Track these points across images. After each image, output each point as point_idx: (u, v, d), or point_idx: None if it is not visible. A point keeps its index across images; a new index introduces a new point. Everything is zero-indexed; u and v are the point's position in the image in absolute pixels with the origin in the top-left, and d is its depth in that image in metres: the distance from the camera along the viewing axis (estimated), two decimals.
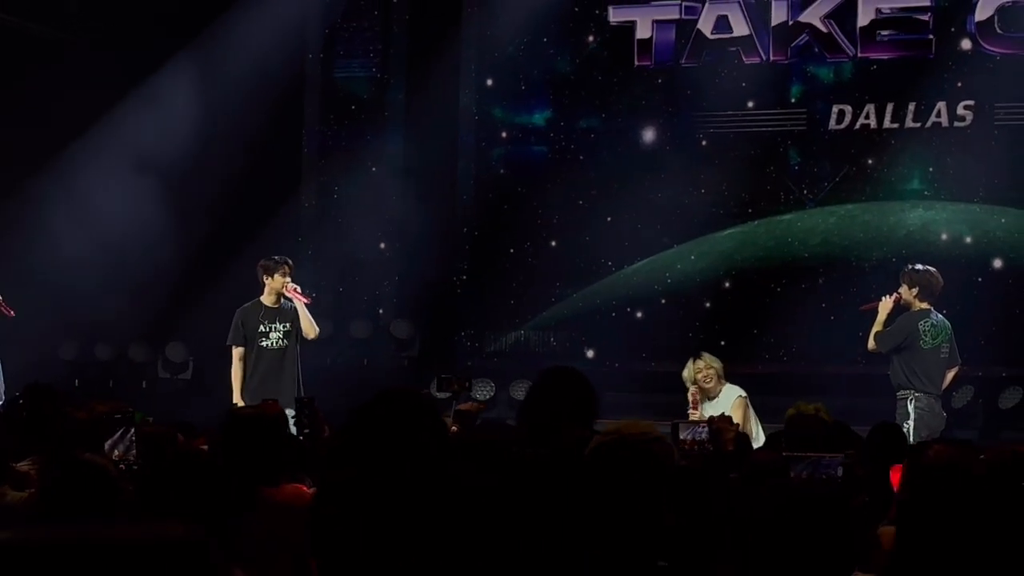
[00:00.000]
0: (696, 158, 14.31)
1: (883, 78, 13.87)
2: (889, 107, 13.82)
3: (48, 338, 14.19)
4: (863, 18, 13.80)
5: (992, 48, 13.48)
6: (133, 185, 14.37)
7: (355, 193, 15.07)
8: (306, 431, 6.81)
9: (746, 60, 14.12)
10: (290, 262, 11.11)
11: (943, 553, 3.49)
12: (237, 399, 10.63)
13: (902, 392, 10.52)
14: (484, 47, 15.06)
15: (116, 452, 5.88)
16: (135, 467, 5.75)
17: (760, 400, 10.49)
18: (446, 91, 14.99)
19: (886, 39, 13.82)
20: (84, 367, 14.72)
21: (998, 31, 13.45)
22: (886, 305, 10.80)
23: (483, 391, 14.09)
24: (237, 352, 10.95)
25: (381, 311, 15.12)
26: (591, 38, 14.81)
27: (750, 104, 14.24)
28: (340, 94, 15.52)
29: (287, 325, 10.95)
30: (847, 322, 12.52)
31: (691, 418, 9.77)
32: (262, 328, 10.91)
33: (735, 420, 9.55)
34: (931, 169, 13.82)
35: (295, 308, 10.99)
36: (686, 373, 10.56)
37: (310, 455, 6.24)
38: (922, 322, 10.57)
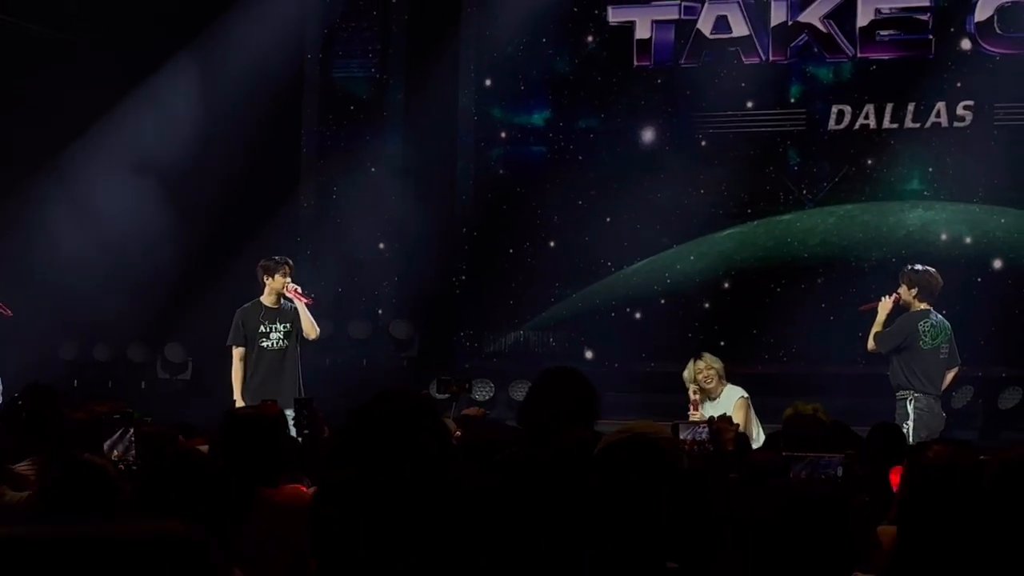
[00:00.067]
0: (695, 158, 14.31)
1: (882, 78, 13.88)
2: (888, 107, 13.82)
3: (47, 338, 14.19)
4: (862, 18, 13.80)
5: (991, 48, 13.48)
6: (132, 185, 14.37)
7: (354, 193, 15.07)
8: (305, 431, 6.80)
9: (745, 60, 14.12)
10: (290, 262, 11.10)
11: (943, 553, 3.48)
12: (238, 399, 10.62)
13: (901, 392, 10.51)
14: (483, 47, 15.06)
15: (115, 452, 5.88)
16: (134, 467, 5.75)
17: (759, 400, 10.48)
18: (445, 91, 14.99)
19: (885, 39, 13.82)
20: (83, 367, 14.72)
21: (997, 31, 13.45)
22: (885, 305, 10.79)
23: (482, 392, 14.09)
24: (237, 352, 10.94)
25: (380, 311, 15.12)
26: (590, 38, 14.81)
27: (749, 104, 14.24)
28: (339, 94, 15.52)
29: (287, 326, 10.94)
30: (846, 322, 12.52)
31: (691, 419, 9.76)
32: (263, 328, 10.90)
33: (737, 421, 9.56)
34: (930, 169, 13.82)
35: (295, 309, 10.98)
36: (687, 374, 10.54)
37: (309, 455, 6.24)
38: (922, 322, 10.57)
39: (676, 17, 14.35)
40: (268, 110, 14.56)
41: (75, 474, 4.51)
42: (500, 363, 14.75)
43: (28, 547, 1.73)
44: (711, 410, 9.59)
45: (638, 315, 14.50)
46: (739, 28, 14.11)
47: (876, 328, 10.76)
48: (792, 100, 14.27)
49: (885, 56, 13.87)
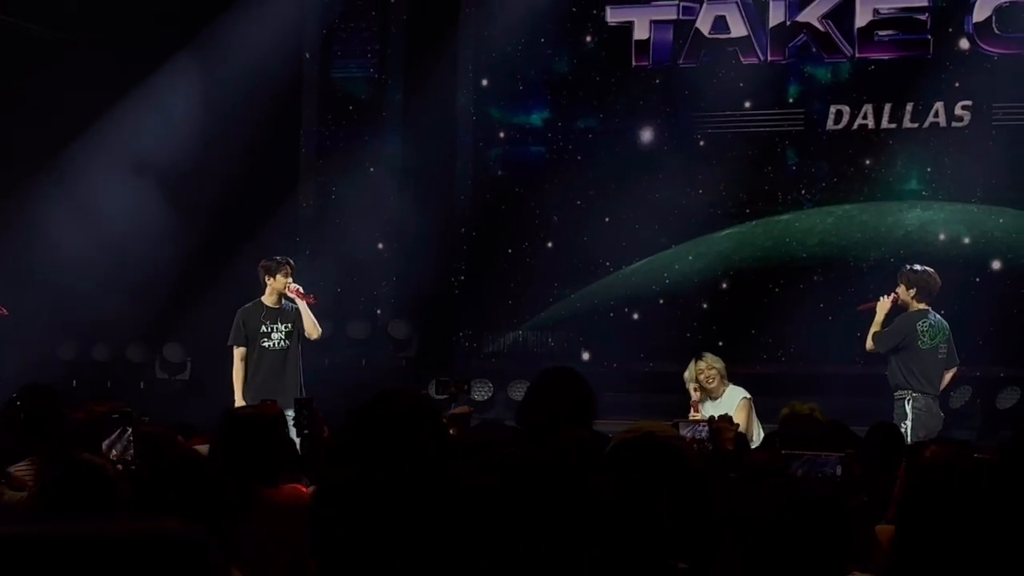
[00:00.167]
0: (694, 158, 14.31)
1: (881, 78, 13.88)
2: (887, 107, 13.83)
3: (46, 338, 14.19)
4: (861, 18, 13.81)
5: (990, 48, 13.49)
6: (131, 185, 14.37)
7: (353, 193, 15.07)
8: (305, 432, 6.80)
9: (744, 60, 14.13)
10: (292, 262, 11.11)
11: (941, 552, 3.49)
12: (238, 399, 10.62)
13: (900, 392, 10.52)
14: (482, 47, 15.06)
15: (114, 452, 5.88)
16: (133, 467, 5.75)
17: (758, 400, 10.48)
18: (444, 91, 15.00)
19: (884, 39, 13.83)
20: (82, 367, 14.72)
21: (996, 31, 13.46)
22: (884, 305, 10.80)
23: (481, 392, 14.09)
24: (239, 352, 10.94)
25: (379, 311, 15.13)
26: (589, 38, 14.81)
27: (747, 104, 14.25)
28: (338, 94, 15.52)
29: (289, 326, 10.95)
30: (845, 322, 12.52)
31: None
32: (264, 328, 10.90)
33: (739, 422, 9.56)
34: (929, 169, 13.83)
35: (297, 309, 10.99)
36: (687, 374, 10.54)
37: (309, 455, 6.25)
38: (920, 322, 10.58)
39: (674, 17, 14.35)
40: (267, 110, 14.56)
41: (75, 474, 4.51)
42: (499, 363, 14.76)
43: (25, 546, 1.73)
44: (713, 410, 9.58)
45: (637, 315, 14.50)
46: (737, 28, 14.11)
47: (874, 328, 10.77)
48: (790, 100, 14.27)
49: (883, 56, 13.87)
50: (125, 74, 14.58)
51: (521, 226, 14.86)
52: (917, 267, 10.82)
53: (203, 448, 5.62)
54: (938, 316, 10.74)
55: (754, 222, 14.33)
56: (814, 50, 14.03)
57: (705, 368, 10.40)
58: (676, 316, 14.26)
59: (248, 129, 14.37)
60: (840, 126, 13.98)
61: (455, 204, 15.14)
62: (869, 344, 10.80)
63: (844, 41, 13.88)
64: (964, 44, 13.60)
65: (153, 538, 1.77)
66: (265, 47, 14.47)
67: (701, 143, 14.41)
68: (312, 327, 10.94)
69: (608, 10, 14.58)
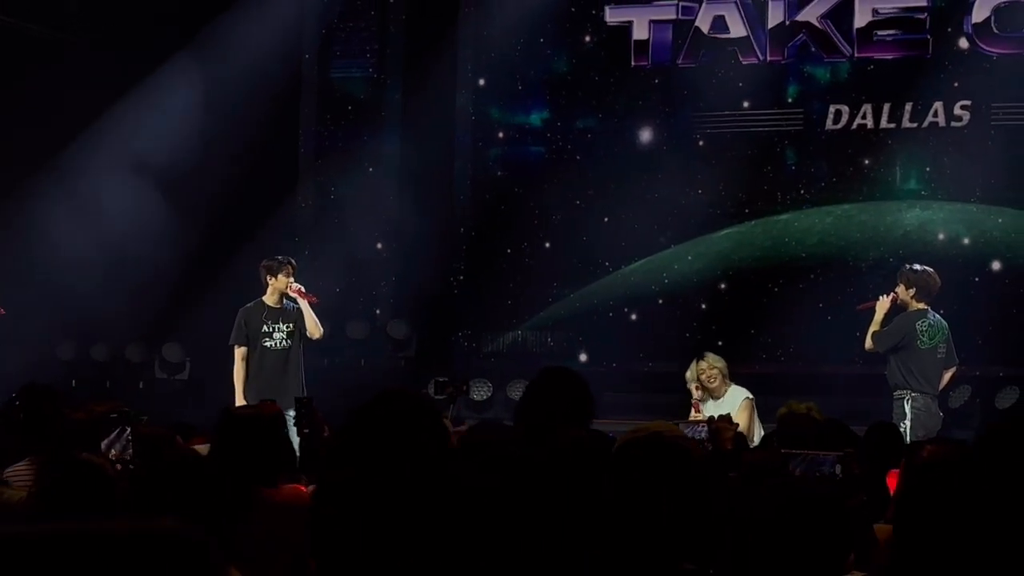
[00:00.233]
0: (693, 158, 14.31)
1: (880, 78, 13.88)
2: (886, 107, 13.83)
3: (46, 338, 14.19)
4: (860, 18, 13.81)
5: (989, 48, 13.49)
6: (131, 185, 14.37)
7: (352, 194, 15.07)
8: (306, 431, 6.82)
9: (743, 60, 14.13)
10: (293, 262, 11.13)
11: (937, 551, 3.49)
12: (240, 399, 10.62)
13: (899, 392, 10.53)
14: (481, 47, 15.06)
15: (113, 452, 5.89)
16: (131, 466, 5.75)
17: (758, 400, 10.50)
18: (443, 91, 14.99)
19: (883, 39, 13.83)
20: (81, 367, 14.71)
21: (995, 31, 13.46)
22: (883, 305, 10.82)
23: (480, 391, 14.09)
24: (240, 352, 10.94)
25: (378, 311, 15.12)
26: (588, 38, 14.81)
27: (747, 104, 14.25)
28: (337, 94, 15.52)
29: (290, 325, 10.96)
30: (844, 322, 12.53)
31: (692, 419, 9.77)
32: (265, 328, 10.91)
33: (741, 422, 9.57)
34: (928, 169, 13.83)
35: (299, 309, 11.00)
36: (689, 373, 10.55)
37: (309, 455, 6.25)
38: (919, 322, 10.59)
39: (674, 17, 14.35)
40: (266, 110, 14.56)
41: (74, 473, 4.52)
42: (498, 363, 14.76)
43: (22, 545, 1.73)
44: (714, 410, 9.59)
45: (636, 315, 14.50)
46: (736, 28, 14.11)
47: (874, 327, 10.79)
48: (789, 100, 14.27)
49: (882, 56, 13.88)
50: (125, 74, 14.58)
51: (520, 226, 14.86)
52: (916, 267, 10.83)
53: (203, 448, 5.62)
54: (937, 316, 10.75)
55: (753, 222, 14.32)
56: (813, 50, 14.03)
57: (707, 368, 10.42)
58: (675, 316, 14.26)
59: (247, 129, 14.37)
60: (839, 126, 13.98)
61: (454, 204, 15.14)
62: (868, 344, 10.82)
63: (843, 41, 13.88)
64: (963, 44, 13.60)
65: (152, 538, 1.77)
66: (264, 47, 14.47)
67: (700, 143, 14.41)
68: (314, 327, 10.95)
69: (607, 10, 14.58)
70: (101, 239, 14.15)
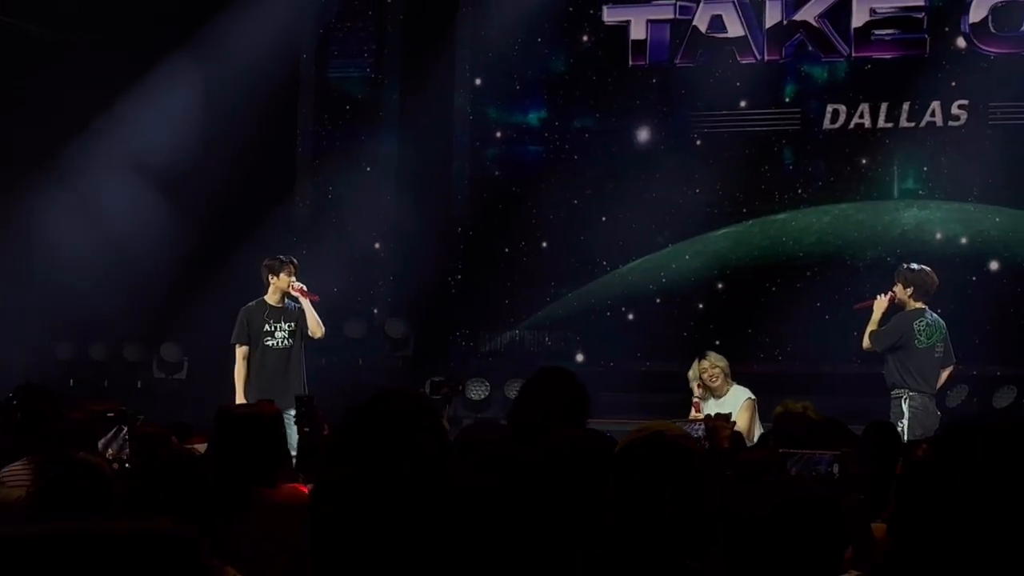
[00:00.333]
0: (690, 158, 14.31)
1: (877, 77, 13.89)
2: (883, 106, 13.83)
3: (44, 337, 14.18)
4: (857, 18, 13.81)
5: (986, 48, 13.50)
6: (129, 185, 14.37)
7: (350, 193, 15.07)
8: (306, 429, 6.83)
9: (740, 60, 14.13)
10: (295, 261, 11.15)
11: (934, 550, 3.50)
12: (240, 398, 10.62)
13: (896, 391, 10.54)
14: (479, 47, 15.05)
15: (110, 451, 5.90)
16: (127, 465, 5.76)
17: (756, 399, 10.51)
18: (441, 91, 14.99)
19: (880, 39, 13.83)
20: (79, 367, 14.71)
21: (992, 31, 13.46)
22: (880, 304, 10.83)
23: (478, 391, 14.09)
24: (241, 351, 10.95)
25: (376, 311, 15.12)
26: (585, 38, 14.81)
27: (744, 104, 14.25)
28: (335, 94, 15.51)
29: (292, 325, 10.97)
30: (842, 321, 12.53)
31: (692, 418, 9.79)
32: (267, 327, 10.92)
33: (742, 422, 9.59)
34: (925, 168, 13.83)
35: (300, 308, 11.01)
36: (691, 372, 10.58)
37: (309, 453, 6.26)
38: (917, 321, 10.60)
39: (671, 17, 14.35)
40: (264, 110, 14.55)
41: (72, 473, 4.52)
42: (496, 362, 14.75)
43: (14, 545, 1.74)
44: (715, 409, 9.60)
45: (634, 314, 14.50)
46: (734, 28, 14.12)
47: (871, 327, 10.80)
48: (787, 99, 14.27)
49: (880, 55, 13.88)
50: (125, 74, 14.57)
51: (518, 225, 14.86)
52: (914, 266, 10.84)
53: (204, 447, 5.62)
54: (935, 315, 10.76)
55: (751, 221, 14.32)
56: (811, 49, 14.04)
57: (709, 367, 10.44)
58: (673, 315, 14.26)
59: (245, 129, 14.36)
60: (837, 125, 13.98)
61: (452, 204, 15.14)
62: (866, 343, 10.83)
63: (841, 40, 13.89)
64: (961, 43, 13.60)
65: (141, 536, 1.78)
66: (262, 47, 14.46)
67: (698, 142, 14.41)
68: (316, 326, 10.96)
69: (605, 9, 14.58)
70: (99, 239, 14.15)
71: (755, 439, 9.49)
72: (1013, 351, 13.13)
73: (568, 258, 14.66)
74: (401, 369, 14.47)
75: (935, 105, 13.62)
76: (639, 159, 14.51)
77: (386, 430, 3.56)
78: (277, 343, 10.92)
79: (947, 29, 13.67)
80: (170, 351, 14.82)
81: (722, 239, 14.36)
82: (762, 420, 10.04)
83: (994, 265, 13.54)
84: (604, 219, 14.49)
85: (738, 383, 10.63)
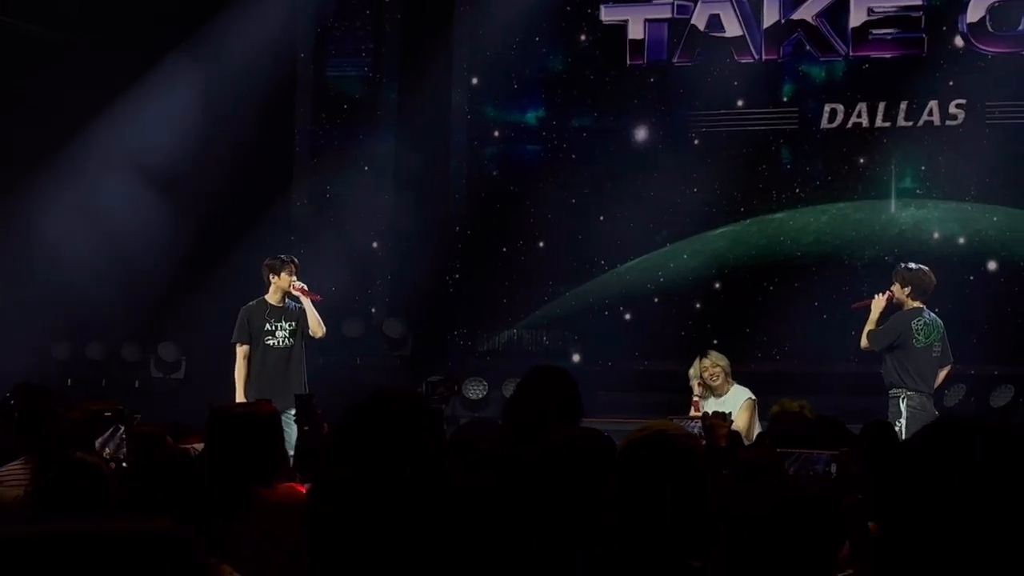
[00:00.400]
0: (688, 157, 14.31)
1: (875, 77, 13.89)
2: (881, 106, 13.83)
3: (41, 337, 14.18)
4: (855, 17, 13.82)
5: (984, 47, 13.51)
6: (127, 184, 14.36)
7: (348, 192, 15.07)
8: (305, 428, 6.83)
9: (738, 59, 14.13)
10: (296, 261, 11.15)
11: (930, 549, 3.50)
12: (240, 397, 10.62)
13: (894, 390, 10.55)
14: (476, 46, 15.05)
15: (107, 450, 5.89)
16: (124, 465, 5.76)
17: None
18: (438, 90, 14.99)
19: (878, 38, 13.84)
20: (77, 366, 14.70)
21: (989, 30, 13.47)
22: (878, 303, 10.84)
23: (476, 390, 14.09)
24: (241, 351, 10.95)
25: (374, 310, 15.12)
26: (583, 37, 14.81)
27: (742, 103, 14.25)
28: (332, 93, 15.51)
29: (292, 324, 10.97)
30: (840, 320, 12.54)
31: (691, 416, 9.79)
32: (268, 327, 10.92)
33: (741, 422, 9.60)
34: (923, 168, 13.84)
35: (301, 307, 11.02)
36: (692, 371, 10.59)
37: (308, 452, 6.26)
38: (915, 320, 10.60)
39: (669, 16, 14.35)
40: (262, 109, 14.55)
41: (69, 472, 4.52)
42: (494, 361, 14.75)
43: (11, 545, 1.74)
44: (715, 408, 9.61)
45: (631, 314, 14.50)
46: (732, 27, 14.12)
47: (869, 326, 10.80)
48: (785, 99, 14.28)
49: (878, 55, 13.88)
50: (125, 74, 14.57)
51: (516, 225, 14.86)
52: (912, 265, 10.85)
53: (201, 447, 5.62)
54: (933, 314, 10.77)
55: (748, 220, 14.33)
56: (808, 49, 14.04)
57: (709, 366, 10.46)
58: (671, 314, 14.26)
59: (242, 128, 14.36)
60: (834, 124, 13.99)
61: (450, 203, 15.13)
62: (864, 342, 10.83)
63: (838, 40, 13.89)
64: (958, 43, 13.61)
65: (138, 536, 1.78)
66: (259, 46, 14.46)
67: (696, 142, 14.41)
68: (316, 325, 10.97)
69: (602, 8, 14.59)
70: (98, 238, 14.15)
71: (754, 438, 9.50)
72: (1011, 350, 13.14)
73: (566, 257, 14.66)
74: (399, 368, 14.47)
75: (933, 104, 13.63)
76: (637, 158, 14.51)
77: (385, 430, 3.56)
78: (278, 343, 10.92)
79: (945, 28, 13.68)
80: (168, 351, 14.81)
81: (720, 238, 14.36)
82: (764, 420, 10.04)
83: (992, 264, 13.55)
84: (602, 218, 14.49)
85: (736, 382, 10.64)
